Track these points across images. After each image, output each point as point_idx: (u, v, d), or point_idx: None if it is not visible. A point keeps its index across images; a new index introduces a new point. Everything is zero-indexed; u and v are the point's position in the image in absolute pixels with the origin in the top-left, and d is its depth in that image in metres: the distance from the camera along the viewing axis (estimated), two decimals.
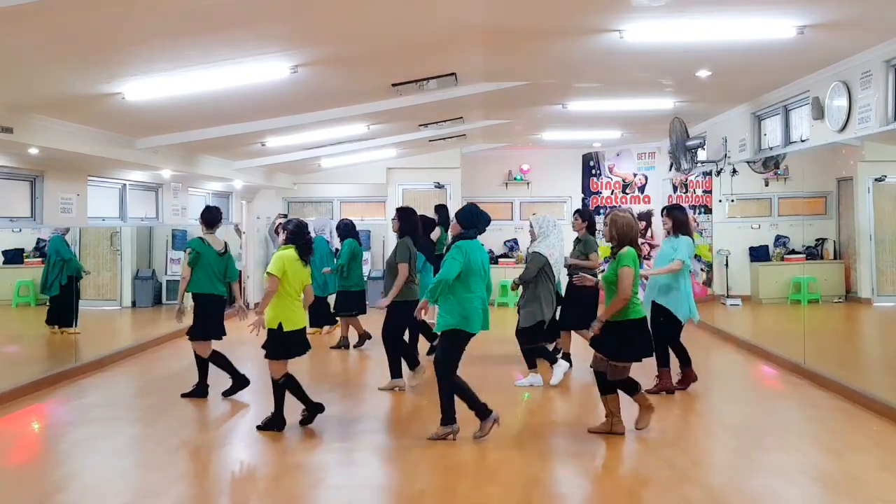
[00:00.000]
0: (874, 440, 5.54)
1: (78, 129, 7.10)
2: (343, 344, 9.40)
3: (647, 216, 13.67)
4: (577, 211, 8.19)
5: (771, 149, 8.73)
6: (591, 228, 7.84)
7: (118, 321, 12.14)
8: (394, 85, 7.02)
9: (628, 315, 5.42)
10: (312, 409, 5.86)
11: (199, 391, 6.82)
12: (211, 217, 6.96)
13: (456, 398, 5.48)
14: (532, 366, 7.20)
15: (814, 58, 6.67)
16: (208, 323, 6.81)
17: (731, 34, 5.76)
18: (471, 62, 6.77)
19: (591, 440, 5.61)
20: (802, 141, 7.86)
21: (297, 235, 5.82)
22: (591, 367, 5.75)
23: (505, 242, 14.18)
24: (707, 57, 6.61)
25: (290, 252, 5.76)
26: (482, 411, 5.46)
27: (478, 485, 4.69)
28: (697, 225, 13.72)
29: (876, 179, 10.56)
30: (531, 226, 7.34)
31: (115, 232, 11.71)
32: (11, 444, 5.80)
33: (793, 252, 12.69)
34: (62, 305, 9.56)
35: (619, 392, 5.55)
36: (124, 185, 9.76)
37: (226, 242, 7.06)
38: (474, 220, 5.68)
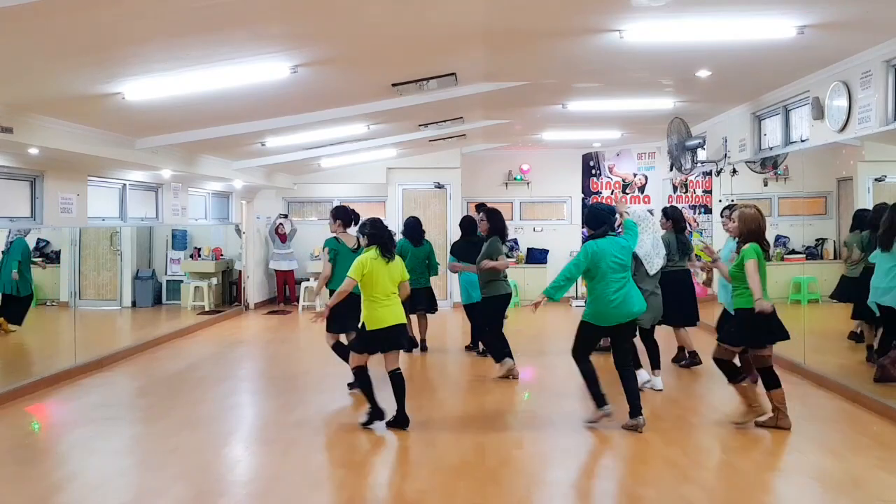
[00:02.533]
0: (874, 440, 5.53)
1: (78, 129, 7.10)
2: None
3: None
4: (663, 209, 8.23)
5: (771, 149, 8.73)
6: (678, 227, 7.91)
7: (118, 321, 12.15)
8: (394, 85, 7.02)
9: (752, 303, 5.61)
10: (373, 413, 5.90)
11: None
12: (346, 216, 7.18)
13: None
14: (656, 366, 7.10)
15: (814, 58, 6.66)
16: (332, 318, 6.77)
17: (731, 34, 5.75)
18: (471, 62, 6.77)
19: (592, 441, 5.61)
20: (802, 141, 7.86)
21: (376, 235, 5.90)
22: (713, 357, 5.86)
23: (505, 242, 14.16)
24: (707, 57, 6.61)
25: (371, 253, 5.83)
26: (599, 400, 5.79)
27: (478, 485, 4.69)
28: (697, 224, 13.76)
29: (876, 179, 10.53)
30: None
31: (115, 232, 11.73)
32: (11, 444, 5.80)
33: (793, 252, 12.68)
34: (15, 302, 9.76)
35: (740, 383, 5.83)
36: (124, 185, 9.76)
37: (358, 237, 6.87)
38: (601, 219, 5.79)
